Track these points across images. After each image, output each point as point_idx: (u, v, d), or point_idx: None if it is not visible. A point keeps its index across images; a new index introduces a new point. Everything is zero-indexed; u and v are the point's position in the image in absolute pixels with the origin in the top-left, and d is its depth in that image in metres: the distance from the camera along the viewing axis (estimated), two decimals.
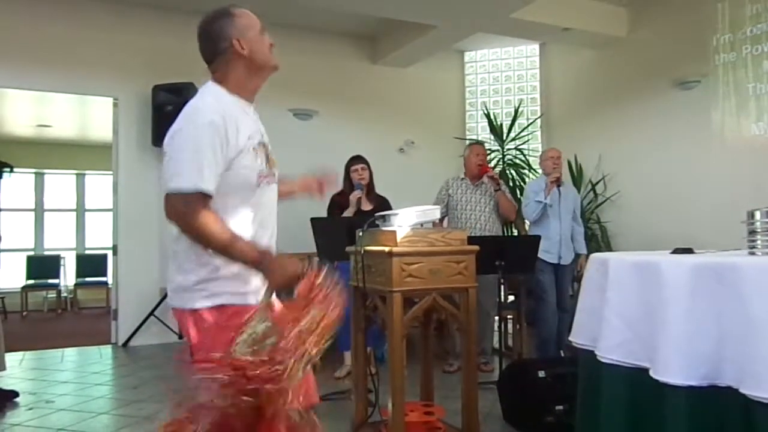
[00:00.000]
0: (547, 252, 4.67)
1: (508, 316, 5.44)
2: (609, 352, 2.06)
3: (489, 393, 3.73)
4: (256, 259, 1.64)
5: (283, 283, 1.65)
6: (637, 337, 1.99)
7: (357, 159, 4.68)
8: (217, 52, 1.79)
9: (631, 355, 2.00)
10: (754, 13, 5.05)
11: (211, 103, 1.73)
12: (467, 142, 6.37)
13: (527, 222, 5.09)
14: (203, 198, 1.61)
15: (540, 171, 6.92)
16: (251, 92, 1.86)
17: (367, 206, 4.60)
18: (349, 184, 4.61)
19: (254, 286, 1.74)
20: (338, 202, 4.59)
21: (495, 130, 6.99)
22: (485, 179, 4.85)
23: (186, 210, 1.60)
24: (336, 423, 3.44)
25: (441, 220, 4.81)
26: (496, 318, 4.81)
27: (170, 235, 1.75)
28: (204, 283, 1.71)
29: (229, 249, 1.62)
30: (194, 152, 1.63)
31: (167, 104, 5.62)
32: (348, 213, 4.51)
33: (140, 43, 6.03)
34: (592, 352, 2.15)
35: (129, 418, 3.65)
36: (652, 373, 1.86)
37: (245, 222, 1.76)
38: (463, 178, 4.93)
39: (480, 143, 5.21)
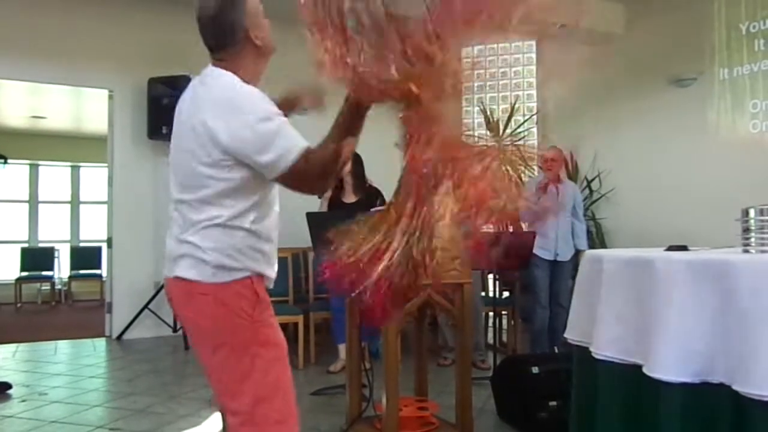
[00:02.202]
0: (543, 249, 4.68)
1: (503, 312, 5.45)
2: (603, 349, 2.07)
3: (483, 389, 3.74)
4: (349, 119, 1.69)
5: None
6: (630, 334, 2.00)
7: None
8: (229, 43, 1.70)
9: (625, 351, 2.01)
10: (750, 10, 5.05)
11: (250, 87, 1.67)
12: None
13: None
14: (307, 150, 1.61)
15: (536, 168, 6.97)
16: (259, 80, 1.78)
17: (350, 198, 4.55)
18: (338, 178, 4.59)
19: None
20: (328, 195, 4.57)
21: (491, 125, 6.98)
22: None
23: (305, 166, 1.60)
24: (330, 417, 3.45)
25: None
26: (491, 314, 4.82)
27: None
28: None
29: (340, 149, 1.64)
30: (278, 128, 1.60)
31: (163, 97, 5.61)
32: (324, 202, 4.49)
33: (136, 35, 5.99)
34: (587, 348, 2.16)
35: (123, 410, 3.64)
36: (645, 370, 1.87)
37: (274, 214, 1.77)
38: None
39: None
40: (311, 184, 1.70)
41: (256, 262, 1.71)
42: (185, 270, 1.67)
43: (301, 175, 1.62)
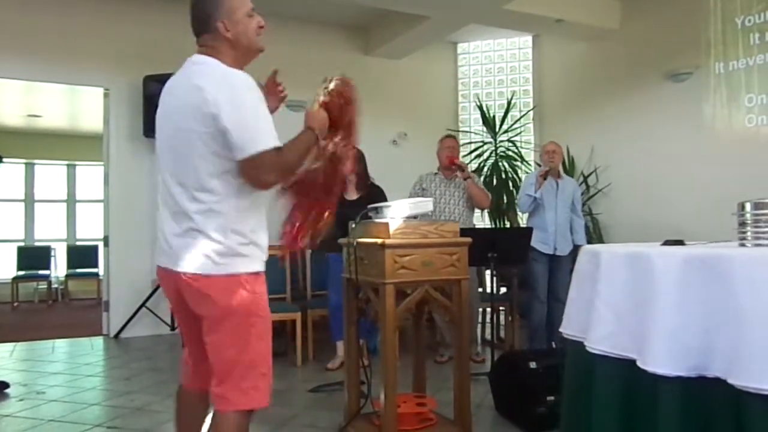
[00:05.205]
0: (542, 243, 4.71)
1: (501, 308, 5.45)
2: (597, 343, 2.07)
3: (481, 384, 3.75)
4: (314, 134, 1.99)
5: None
6: (626, 328, 2.00)
7: None
8: (204, 30, 1.88)
9: (619, 346, 2.01)
10: (746, 4, 5.05)
11: (235, 70, 1.82)
12: (460, 134, 6.37)
13: (523, 214, 5.09)
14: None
15: (532, 164, 6.98)
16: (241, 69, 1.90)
17: (353, 196, 4.52)
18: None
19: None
20: None
21: (488, 122, 6.99)
22: (458, 172, 4.77)
23: (278, 160, 1.80)
24: (329, 414, 3.45)
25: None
26: (488, 309, 4.82)
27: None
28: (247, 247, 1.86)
29: (304, 154, 1.93)
30: (255, 117, 1.79)
31: (158, 95, 5.56)
32: None
33: (131, 33, 5.98)
34: (582, 343, 2.16)
35: (121, 409, 3.64)
36: (640, 364, 1.87)
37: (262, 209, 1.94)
38: (436, 173, 4.93)
39: (451, 136, 5.16)
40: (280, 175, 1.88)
41: None
42: None
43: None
